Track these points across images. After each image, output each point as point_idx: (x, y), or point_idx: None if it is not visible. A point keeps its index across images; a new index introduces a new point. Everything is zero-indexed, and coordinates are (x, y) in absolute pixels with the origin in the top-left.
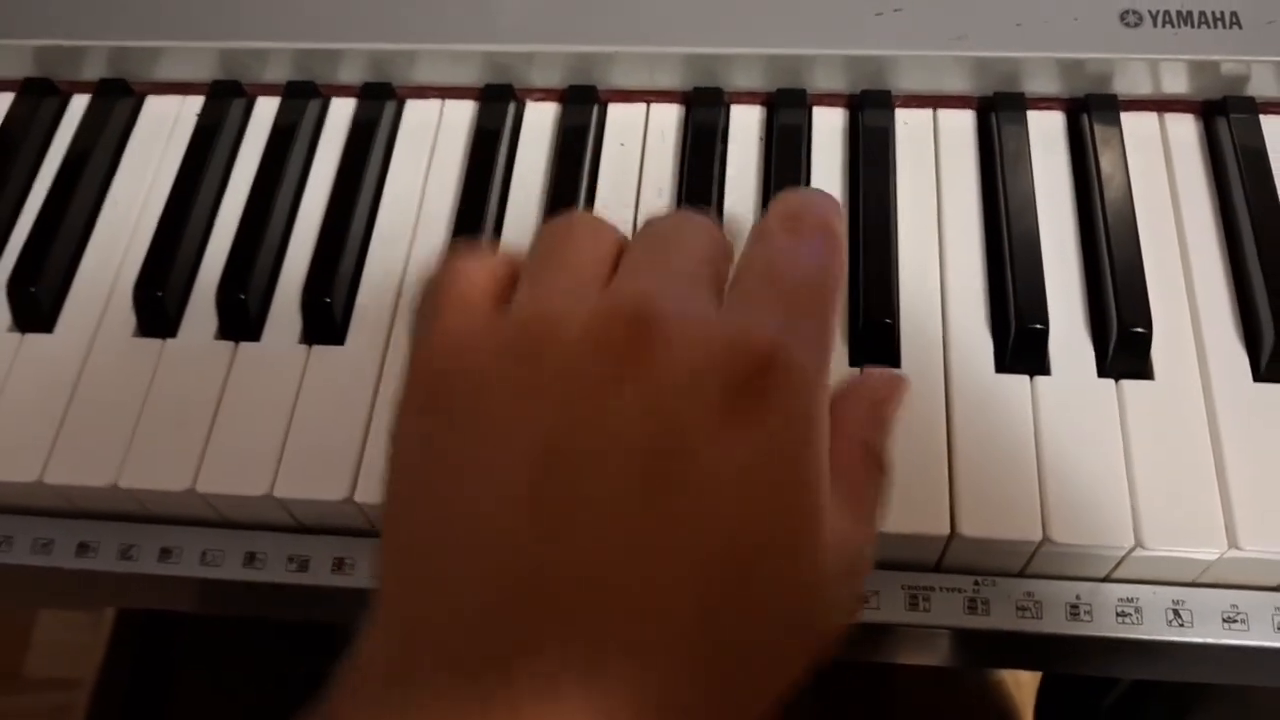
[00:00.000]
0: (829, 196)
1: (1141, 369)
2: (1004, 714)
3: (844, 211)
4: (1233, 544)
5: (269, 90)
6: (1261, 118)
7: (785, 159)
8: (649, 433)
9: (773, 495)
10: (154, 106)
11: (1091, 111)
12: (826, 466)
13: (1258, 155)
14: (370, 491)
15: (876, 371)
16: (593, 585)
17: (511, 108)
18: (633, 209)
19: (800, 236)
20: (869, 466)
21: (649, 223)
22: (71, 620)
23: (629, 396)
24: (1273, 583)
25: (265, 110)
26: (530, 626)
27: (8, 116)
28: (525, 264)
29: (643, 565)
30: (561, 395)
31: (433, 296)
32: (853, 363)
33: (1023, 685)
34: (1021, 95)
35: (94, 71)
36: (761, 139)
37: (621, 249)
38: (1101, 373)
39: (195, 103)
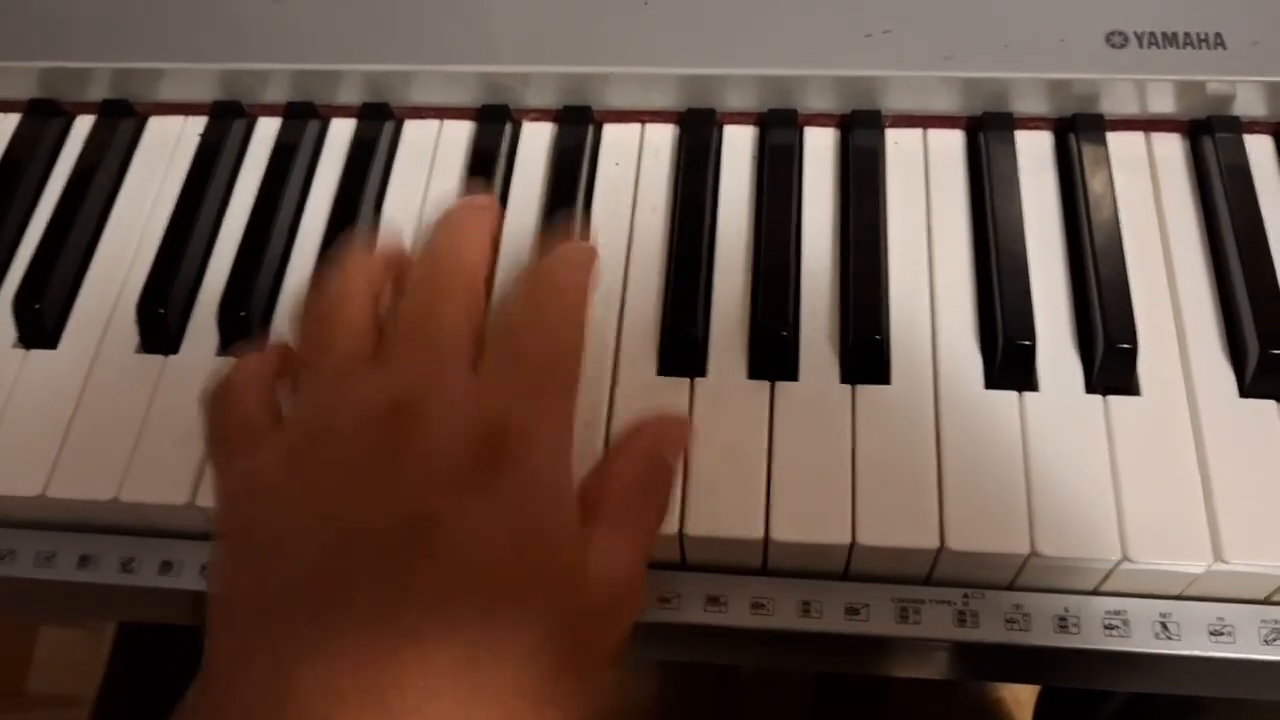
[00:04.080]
0: (580, 257)
1: (1128, 385)
2: None
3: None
4: (1219, 557)
5: (270, 111)
6: (1246, 137)
7: (777, 178)
8: (406, 510)
9: (514, 544)
10: (157, 127)
11: (1078, 131)
12: (570, 511)
13: (1242, 174)
14: None
15: (658, 416)
16: (374, 634)
17: (508, 128)
18: (627, 227)
19: (540, 299)
20: (638, 501)
21: (409, 290)
22: (73, 638)
23: (391, 478)
24: (1259, 596)
25: (266, 130)
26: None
27: (13, 137)
28: (299, 350)
29: (410, 621)
30: (337, 484)
31: (218, 420)
32: (844, 379)
33: (1021, 703)
34: (1009, 115)
35: (98, 92)
36: (754, 158)
37: (381, 298)
38: (1089, 388)
39: (197, 123)
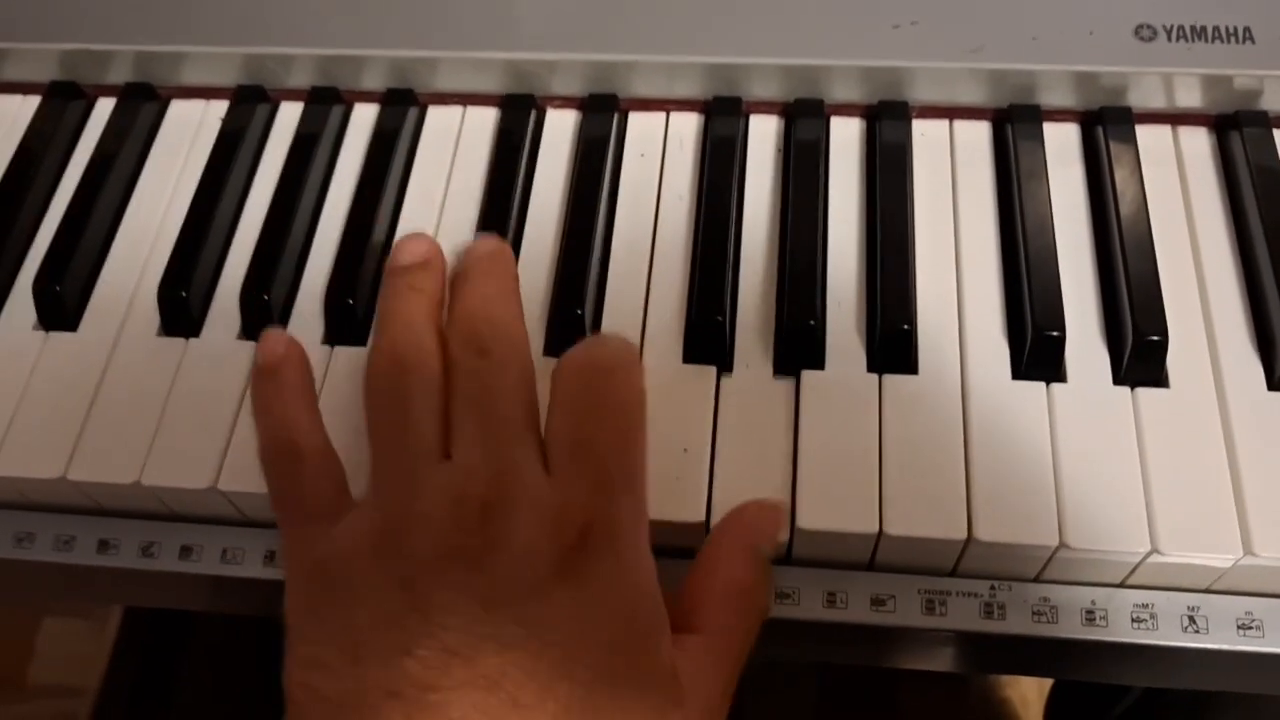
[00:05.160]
0: (625, 347)
1: (1157, 377)
2: None
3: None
4: (1248, 550)
5: (293, 95)
6: (1274, 131)
7: (803, 168)
8: (500, 610)
9: (609, 638)
10: (178, 110)
11: (1106, 124)
12: (654, 601)
13: (1270, 169)
14: None
15: (753, 504)
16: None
17: (532, 115)
18: (652, 217)
19: (598, 398)
20: (737, 605)
21: (461, 365)
22: (75, 628)
23: (483, 578)
24: None
25: (289, 115)
26: None
27: (34, 119)
28: (370, 423)
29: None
30: (428, 582)
31: (291, 487)
32: (871, 369)
33: (1029, 702)
34: (1037, 107)
35: (119, 75)
36: (779, 149)
37: (445, 367)
38: (1117, 381)
39: (219, 107)
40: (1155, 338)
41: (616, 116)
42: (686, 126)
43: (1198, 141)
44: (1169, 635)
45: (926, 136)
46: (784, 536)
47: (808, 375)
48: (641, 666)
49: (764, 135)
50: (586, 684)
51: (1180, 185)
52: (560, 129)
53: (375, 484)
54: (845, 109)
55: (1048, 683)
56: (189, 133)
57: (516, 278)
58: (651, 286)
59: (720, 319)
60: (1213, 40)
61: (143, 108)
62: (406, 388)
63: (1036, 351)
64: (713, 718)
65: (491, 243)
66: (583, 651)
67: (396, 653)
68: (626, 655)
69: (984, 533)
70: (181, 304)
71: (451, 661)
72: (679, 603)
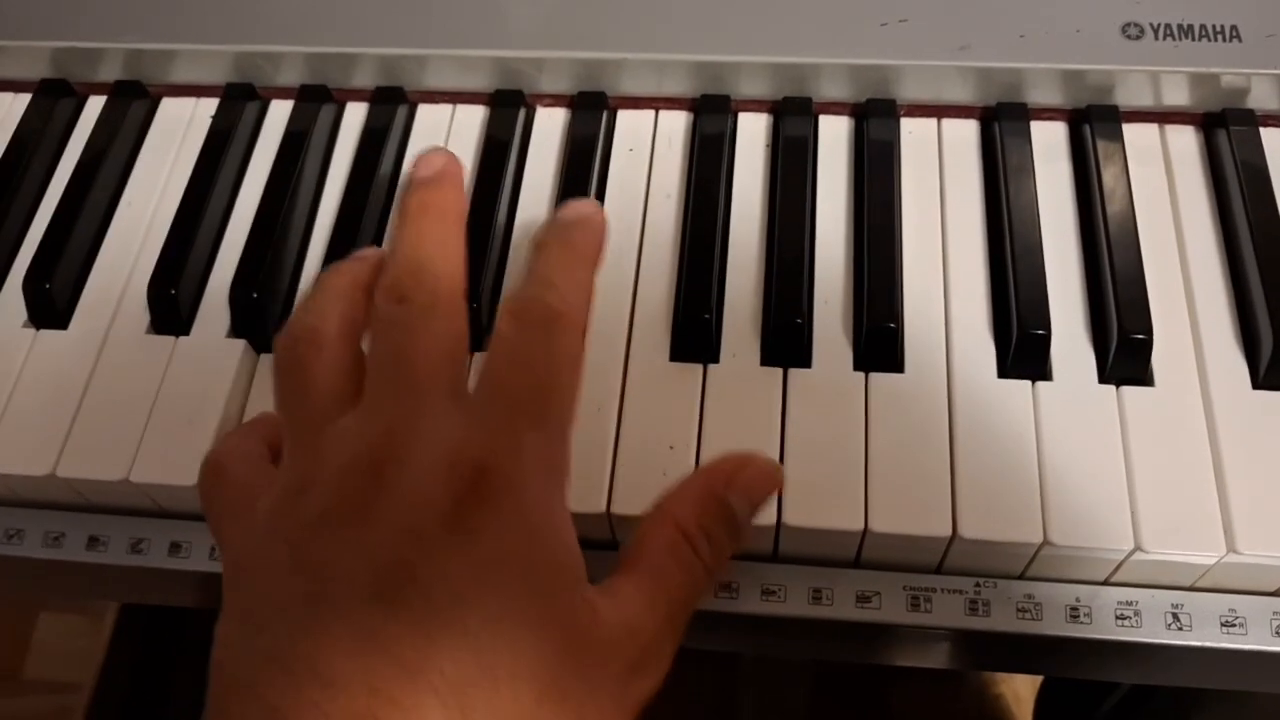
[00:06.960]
0: (581, 256)
1: (1142, 376)
2: None
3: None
4: (1231, 548)
5: (283, 93)
6: (1261, 130)
7: (791, 166)
8: (379, 563)
9: (499, 589)
10: (169, 108)
11: (1093, 122)
12: (563, 551)
13: (1257, 167)
14: None
15: (746, 459)
16: (355, 699)
17: (522, 113)
18: (640, 214)
19: (527, 332)
20: (678, 551)
21: (380, 318)
22: (71, 624)
23: (366, 531)
24: (1270, 587)
25: (279, 113)
26: None
27: (25, 117)
28: (276, 402)
29: (390, 683)
30: (314, 540)
31: (211, 494)
32: (857, 367)
33: (1022, 699)
34: (1024, 105)
35: (110, 73)
36: (768, 146)
37: (356, 330)
38: (1102, 379)
39: (210, 105)
40: (1140, 336)
41: (605, 114)
42: (675, 124)
43: (1185, 140)
44: (1153, 632)
45: (914, 135)
46: (771, 500)
47: (794, 374)
48: (548, 614)
49: (752, 133)
50: (477, 635)
51: (1167, 183)
52: (549, 127)
53: (283, 454)
54: (833, 107)
55: (1040, 679)
56: (179, 130)
57: (461, 203)
58: (639, 284)
59: (707, 317)
60: (1199, 38)
61: (133, 105)
62: (303, 351)
63: (1022, 350)
64: (647, 666)
65: (436, 162)
66: (476, 602)
67: (282, 619)
68: (529, 603)
69: (969, 530)
70: (171, 302)
71: (332, 622)
72: (629, 540)
